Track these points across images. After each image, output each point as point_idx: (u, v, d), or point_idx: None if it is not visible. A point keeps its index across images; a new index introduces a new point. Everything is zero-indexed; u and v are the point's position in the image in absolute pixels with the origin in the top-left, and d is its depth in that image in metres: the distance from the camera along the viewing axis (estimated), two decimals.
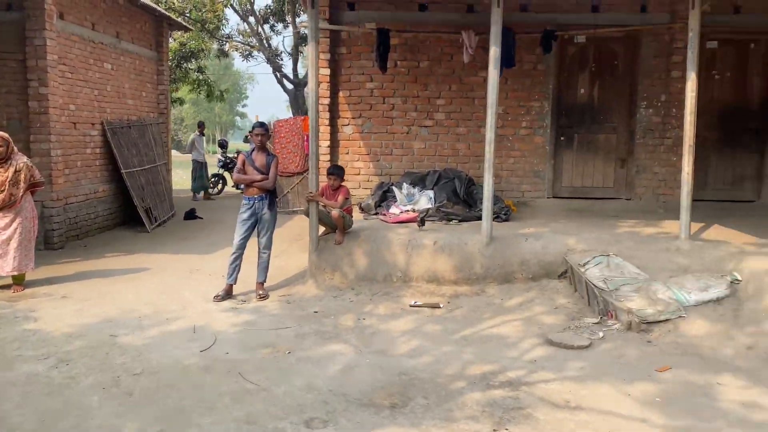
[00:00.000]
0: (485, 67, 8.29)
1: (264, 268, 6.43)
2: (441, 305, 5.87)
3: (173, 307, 5.83)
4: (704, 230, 6.88)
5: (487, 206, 6.43)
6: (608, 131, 8.58)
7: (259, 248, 6.43)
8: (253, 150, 6.41)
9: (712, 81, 8.36)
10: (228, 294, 6.21)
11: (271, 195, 6.36)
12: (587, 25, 8.20)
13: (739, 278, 5.43)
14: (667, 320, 5.09)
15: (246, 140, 13.16)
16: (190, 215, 11.73)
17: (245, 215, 6.32)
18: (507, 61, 7.47)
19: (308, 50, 6.48)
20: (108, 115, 10.29)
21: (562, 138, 8.59)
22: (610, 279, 5.71)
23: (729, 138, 8.44)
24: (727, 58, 8.35)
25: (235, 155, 14.22)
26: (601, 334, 4.99)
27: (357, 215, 7.67)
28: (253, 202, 6.30)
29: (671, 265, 6.03)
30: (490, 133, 6.28)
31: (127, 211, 10.67)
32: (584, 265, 6.05)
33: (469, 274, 6.40)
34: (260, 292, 6.29)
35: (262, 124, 6.42)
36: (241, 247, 6.35)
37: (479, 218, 7.49)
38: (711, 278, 5.48)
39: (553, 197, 8.63)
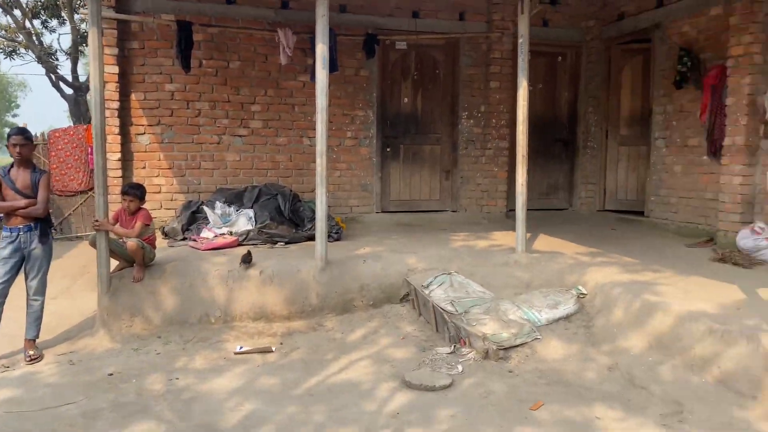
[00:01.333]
0: (305, 71, 7.56)
1: (35, 320, 4.92)
2: (273, 348, 4.90)
3: None
4: (533, 240, 6.79)
5: (321, 226, 5.60)
6: (433, 142, 8.29)
7: (28, 294, 4.91)
8: (11, 166, 4.86)
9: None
10: None
11: (42, 224, 4.87)
12: (408, 31, 7.83)
13: (585, 291, 5.28)
14: (523, 344, 4.71)
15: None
16: None
17: (6, 252, 4.78)
18: (329, 64, 6.75)
19: (89, 41, 5.10)
20: None
21: (388, 149, 8.10)
22: (457, 301, 5.22)
23: (543, 149, 8.64)
24: (538, 70, 8.55)
25: None
26: (460, 368, 4.43)
27: (160, 242, 6.37)
28: (17, 235, 4.78)
29: (513, 280, 5.76)
30: (321, 143, 5.47)
31: None
32: (427, 286, 5.51)
33: (303, 306, 5.51)
34: (30, 352, 4.78)
35: (21, 131, 4.88)
36: (1, 294, 4.79)
37: (309, 239, 6.68)
38: (558, 294, 5.25)
39: (382, 211, 8.11)
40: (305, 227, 6.92)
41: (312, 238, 6.71)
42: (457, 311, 5.09)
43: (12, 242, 4.78)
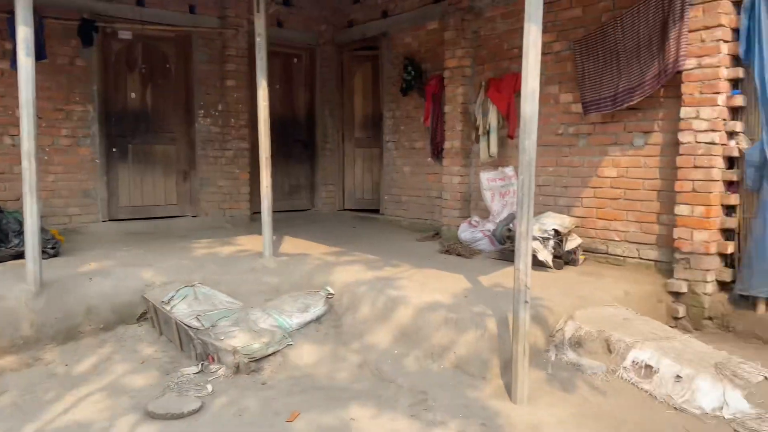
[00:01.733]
0: (3, 56, 6.38)
1: None
2: None
3: None
4: (280, 243, 6.73)
5: (32, 242, 4.74)
6: (167, 142, 7.68)
7: None
8: None
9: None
10: None
11: None
12: (132, 20, 7.12)
13: (332, 291, 5.35)
14: (275, 352, 4.58)
15: None
16: None
17: None
18: (35, 51, 5.76)
19: None
20: None
21: (114, 150, 7.27)
22: (203, 314, 4.88)
23: (284, 150, 8.63)
24: (275, 71, 8.48)
25: None
26: (210, 388, 4.12)
27: None
28: None
29: (262, 286, 5.60)
30: (28, 143, 4.61)
31: None
32: (169, 301, 5.05)
33: (12, 339, 4.59)
34: None
35: None
36: None
37: (16, 256, 5.68)
38: (308, 297, 5.24)
39: (110, 220, 7.25)
40: (11, 243, 5.84)
41: (20, 255, 5.67)
42: (203, 326, 4.74)
43: None
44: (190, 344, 4.67)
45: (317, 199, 9.08)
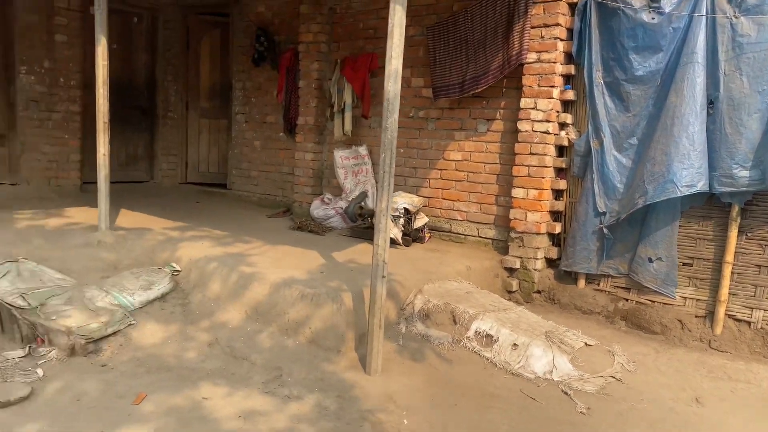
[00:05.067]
0: None
1: None
2: None
3: None
4: (116, 216, 6.24)
5: None
6: None
7: None
8: None
9: None
10: None
11: None
12: None
13: (178, 268, 5.08)
14: (116, 332, 4.27)
15: None
16: None
17: None
18: None
19: None
20: None
21: None
22: (29, 293, 4.40)
23: (121, 116, 7.95)
24: (112, 30, 7.70)
25: None
26: (40, 372, 3.74)
27: None
28: None
29: (99, 263, 5.17)
30: None
31: None
32: None
33: None
34: None
35: None
36: None
37: None
38: (152, 273, 4.92)
39: None
40: None
41: None
42: (30, 305, 4.27)
43: None
44: (14, 325, 4.20)
45: (157, 171, 8.53)
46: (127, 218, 6.25)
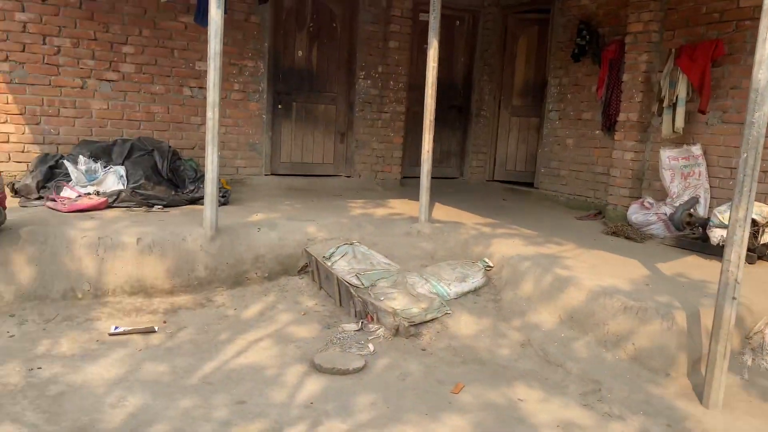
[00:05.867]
0: (187, 11, 6.70)
1: None
2: (156, 328, 4.27)
3: None
4: (431, 210, 6.60)
5: (211, 190, 4.96)
6: (328, 101, 7.78)
7: None
8: None
9: (425, 55, 8.14)
10: None
11: None
12: None
13: (491, 264, 5.16)
14: (434, 319, 4.49)
15: None
16: None
17: None
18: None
19: None
20: None
21: (279, 106, 7.48)
22: (362, 273, 4.89)
23: (438, 114, 8.40)
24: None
25: None
26: (371, 347, 4.11)
27: (11, 201, 5.38)
28: None
29: (418, 251, 5.53)
30: (213, 94, 4.79)
31: None
32: (329, 257, 5.11)
33: (189, 278, 4.89)
34: None
35: None
36: None
37: (190, 202, 6.02)
38: (466, 266, 5.09)
39: (272, 174, 7.51)
40: (186, 189, 6.20)
41: (194, 201, 6.05)
42: (363, 285, 4.75)
43: None
44: (350, 301, 4.71)
45: (466, 168, 8.85)
46: (441, 212, 6.57)
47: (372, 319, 4.50)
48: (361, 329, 4.43)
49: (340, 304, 4.86)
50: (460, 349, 4.18)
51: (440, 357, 4.06)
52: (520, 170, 8.51)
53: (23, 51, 6.13)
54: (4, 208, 4.58)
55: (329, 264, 5.03)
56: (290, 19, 7.42)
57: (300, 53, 7.52)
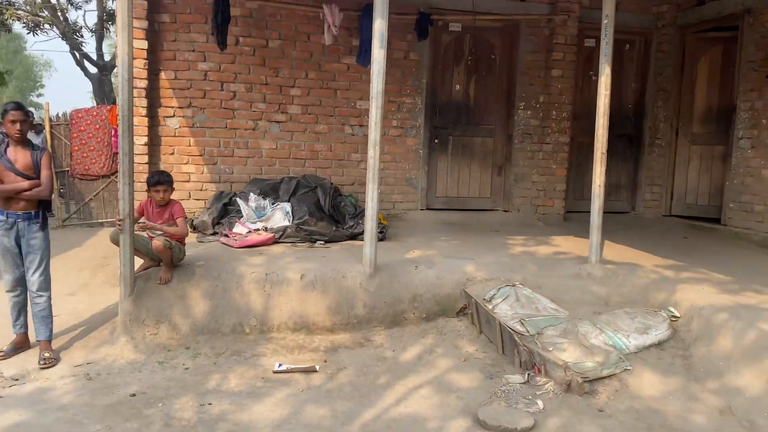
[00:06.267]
0: (350, 53, 6.87)
1: (43, 318, 4.39)
2: (317, 367, 4.26)
3: None
4: (600, 249, 6.05)
5: (370, 227, 4.94)
6: (485, 134, 7.57)
7: (30, 291, 4.37)
8: (6, 145, 4.28)
9: (590, 82, 7.70)
10: (20, 347, 4.40)
11: (42, 210, 4.37)
12: (463, 11, 7.10)
13: (677, 314, 4.55)
14: (611, 375, 4.01)
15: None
16: None
17: (6, 240, 4.27)
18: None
19: (117, 9, 4.47)
20: None
21: (436, 140, 7.40)
22: (527, 319, 4.53)
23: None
24: None
25: None
26: (540, 404, 3.74)
27: (189, 237, 5.76)
28: (15, 221, 4.24)
29: (588, 296, 5.05)
30: (375, 132, 4.80)
31: None
32: (490, 300, 4.83)
33: (348, 317, 4.86)
34: (45, 354, 4.25)
35: (20, 106, 4.32)
36: (19, 282, 4.39)
37: (350, 237, 6.06)
38: (647, 315, 4.53)
39: (427, 209, 7.42)
40: (346, 224, 6.28)
41: (354, 236, 6.09)
42: (528, 332, 4.40)
43: (9, 229, 4.24)
44: (514, 350, 4.37)
45: (638, 202, 8.11)
46: (613, 251, 6.01)
47: (539, 371, 4.13)
48: (527, 382, 4.08)
49: (503, 352, 4.54)
50: (644, 412, 3.67)
51: (620, 420, 3.59)
52: (702, 204, 7.62)
53: (204, 97, 6.65)
54: (184, 244, 4.89)
55: (490, 307, 4.74)
56: (448, 53, 7.35)
57: (457, 87, 7.41)
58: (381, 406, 3.70)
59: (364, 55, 6.26)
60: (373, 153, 4.84)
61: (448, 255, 5.57)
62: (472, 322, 4.99)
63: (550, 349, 4.20)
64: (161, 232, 4.61)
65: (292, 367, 4.23)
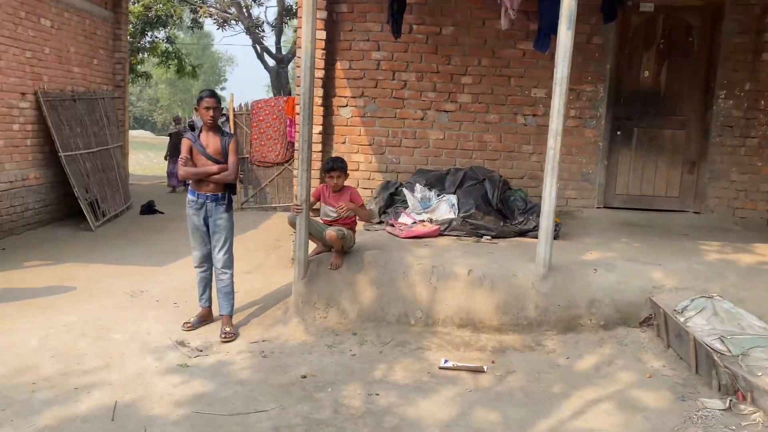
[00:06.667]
0: (526, 37, 6.52)
1: (226, 294, 4.65)
2: (485, 368, 4.05)
3: (92, 364, 3.94)
4: None
5: (547, 224, 4.61)
6: (676, 126, 6.80)
7: (215, 268, 4.64)
8: (200, 131, 4.57)
9: None
10: (204, 320, 4.73)
11: (228, 193, 4.62)
12: None
13: None
14: None
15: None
16: (148, 209, 9.77)
17: (196, 219, 4.55)
18: (554, 29, 5.60)
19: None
20: (45, 84, 8.27)
21: (618, 133, 6.79)
22: (728, 337, 3.94)
23: None
24: None
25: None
26: None
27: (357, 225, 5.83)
28: (204, 202, 4.51)
29: None
30: (557, 121, 4.46)
31: (68, 203, 8.69)
32: (682, 311, 4.28)
33: (518, 317, 4.59)
34: (226, 329, 4.51)
35: (213, 93, 4.62)
36: (206, 258, 4.70)
37: (519, 234, 5.75)
38: None
39: (604, 207, 6.84)
40: (515, 220, 5.95)
41: (522, 233, 5.77)
42: (730, 352, 3.82)
43: (199, 209, 4.53)
44: (712, 370, 3.83)
45: None
46: None
47: (744, 397, 3.57)
48: (728, 409, 3.54)
49: (696, 371, 4.00)
50: None
51: None
52: None
53: (375, 87, 6.68)
54: (355, 231, 4.93)
55: (682, 320, 4.21)
56: (637, 36, 6.68)
57: (646, 73, 6.72)
58: (557, 418, 3.40)
59: (543, 39, 5.87)
60: (553, 144, 4.50)
61: (630, 258, 5.05)
62: (658, 334, 4.47)
63: (759, 374, 3.60)
64: (338, 216, 4.69)
65: (459, 365, 4.07)
